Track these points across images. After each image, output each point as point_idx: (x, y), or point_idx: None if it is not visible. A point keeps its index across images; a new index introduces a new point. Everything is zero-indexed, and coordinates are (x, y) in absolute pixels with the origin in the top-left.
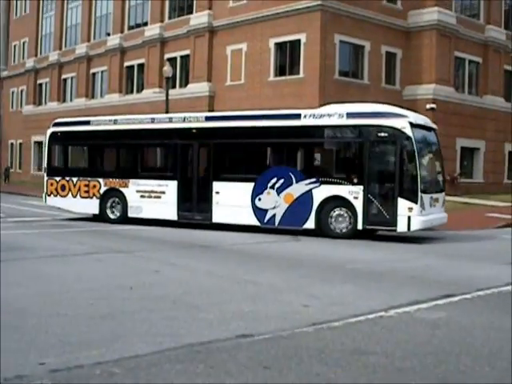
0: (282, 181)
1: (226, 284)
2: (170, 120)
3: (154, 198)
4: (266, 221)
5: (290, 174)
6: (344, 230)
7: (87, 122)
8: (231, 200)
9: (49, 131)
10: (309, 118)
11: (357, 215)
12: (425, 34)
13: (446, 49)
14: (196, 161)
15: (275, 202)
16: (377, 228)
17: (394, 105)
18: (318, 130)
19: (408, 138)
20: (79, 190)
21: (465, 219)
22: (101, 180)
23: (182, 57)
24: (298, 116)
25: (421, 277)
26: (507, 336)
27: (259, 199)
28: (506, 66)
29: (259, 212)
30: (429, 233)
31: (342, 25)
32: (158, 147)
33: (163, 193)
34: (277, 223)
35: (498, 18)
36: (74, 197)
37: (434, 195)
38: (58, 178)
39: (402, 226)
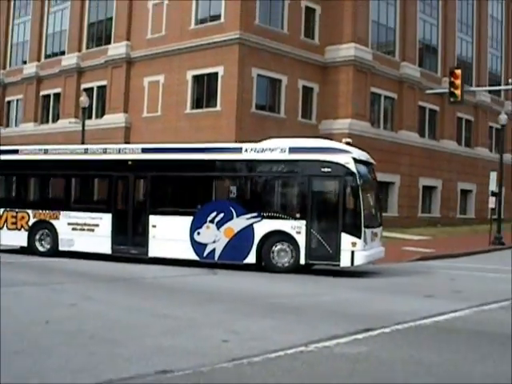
0: (222, 215)
1: (145, 318)
2: (105, 151)
3: (87, 230)
4: (205, 255)
5: (231, 208)
6: (286, 265)
7: (15, 151)
8: (169, 234)
9: None
10: (250, 151)
11: (299, 250)
12: (341, 70)
13: (362, 84)
14: (132, 193)
15: (215, 236)
16: (320, 263)
17: (310, 137)
18: (259, 164)
19: (352, 173)
20: (6, 221)
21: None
22: (29, 211)
23: (98, 87)
24: (238, 149)
25: (341, 311)
26: (427, 370)
27: (198, 233)
28: (420, 102)
29: (198, 246)
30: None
31: (259, 58)
32: (92, 178)
33: (97, 225)
34: (216, 258)
35: (412, 55)
36: (1, 228)
37: (374, 230)
38: None
39: (345, 261)
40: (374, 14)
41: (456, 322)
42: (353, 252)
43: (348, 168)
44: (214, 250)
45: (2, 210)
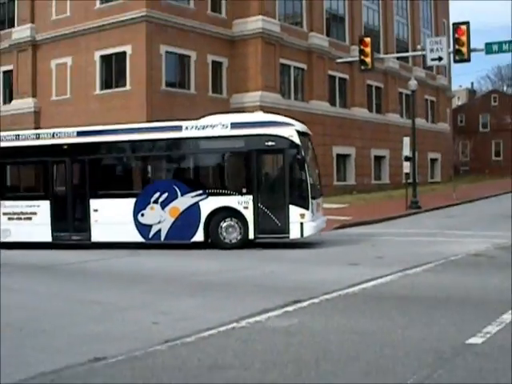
0: (165, 195)
1: (71, 306)
2: (38, 136)
3: (24, 219)
4: (150, 236)
5: (175, 187)
6: (234, 241)
7: None
8: (111, 217)
9: None
10: (190, 129)
11: (248, 225)
12: (250, 43)
13: (271, 56)
14: (70, 178)
15: (160, 217)
16: (269, 237)
17: (222, 113)
18: (201, 141)
19: (296, 145)
20: None
21: None
22: None
23: (4, 72)
24: (178, 128)
25: (268, 284)
26: (361, 338)
27: (142, 215)
28: (330, 71)
29: (143, 228)
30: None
31: (167, 35)
32: (26, 165)
33: (34, 214)
34: (163, 238)
35: (320, 25)
36: None
37: (318, 200)
38: None
39: (294, 233)
40: None
41: (383, 288)
42: (302, 224)
43: (292, 141)
44: (159, 231)
45: None
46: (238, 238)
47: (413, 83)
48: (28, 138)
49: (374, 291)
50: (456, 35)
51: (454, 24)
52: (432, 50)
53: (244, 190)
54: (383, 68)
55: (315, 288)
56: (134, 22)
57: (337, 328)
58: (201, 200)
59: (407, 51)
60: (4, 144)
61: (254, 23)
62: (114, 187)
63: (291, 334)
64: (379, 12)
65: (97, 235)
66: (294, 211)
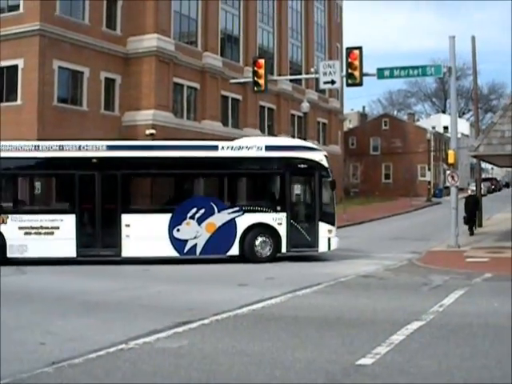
0: (202, 211)
1: None
2: (61, 148)
3: (44, 234)
4: (186, 251)
5: (212, 203)
6: (267, 255)
7: None
8: (145, 232)
9: None
10: (226, 149)
11: (281, 240)
12: (144, 61)
13: (164, 74)
14: (98, 192)
15: (196, 232)
16: (299, 251)
17: (114, 131)
18: (237, 161)
19: (326, 168)
20: None
21: None
22: None
23: None
24: (215, 147)
25: (157, 304)
26: (252, 360)
27: (178, 230)
28: (223, 91)
29: (178, 243)
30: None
31: (60, 50)
32: (48, 178)
33: (57, 228)
34: (198, 253)
35: (214, 45)
36: None
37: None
38: None
39: (322, 247)
40: (176, 5)
41: (273, 309)
42: (329, 238)
43: (322, 164)
44: (195, 246)
45: None
46: (271, 252)
47: (305, 105)
48: (50, 149)
49: (264, 312)
50: (349, 59)
51: (347, 48)
52: (325, 74)
53: (278, 208)
54: (276, 90)
55: (205, 309)
56: (27, 36)
57: (227, 350)
58: (237, 216)
59: (301, 74)
60: (20, 154)
61: (149, 41)
62: (148, 202)
63: (181, 355)
64: (274, 34)
65: (128, 250)
66: (323, 227)
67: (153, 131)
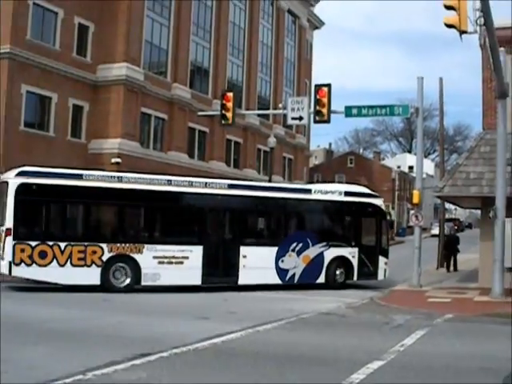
0: (301, 245)
1: None
2: (191, 184)
3: (175, 263)
4: (287, 279)
5: (307, 238)
6: (343, 281)
7: (79, 176)
8: (257, 263)
9: (13, 182)
10: (317, 193)
11: (354, 270)
12: (113, 89)
13: (132, 104)
14: (222, 226)
15: (295, 263)
16: (365, 279)
17: (80, 158)
18: (327, 203)
19: (384, 212)
20: (70, 257)
21: None
22: (104, 245)
23: None
24: (309, 191)
25: (117, 335)
26: None
27: (282, 261)
28: (191, 123)
29: (282, 272)
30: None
31: (29, 75)
32: (180, 211)
33: (186, 258)
34: (296, 280)
35: (184, 76)
36: (62, 266)
37: None
38: (33, 243)
39: (380, 276)
40: (147, 35)
41: (233, 344)
42: (385, 269)
43: (382, 209)
44: (294, 275)
45: (64, 244)
46: (344, 279)
47: (272, 140)
48: (181, 184)
49: (225, 347)
50: (317, 96)
51: (316, 85)
52: (293, 109)
53: (352, 243)
54: (244, 123)
55: (165, 341)
56: None
57: None
58: (325, 250)
59: (269, 108)
60: (156, 188)
61: (119, 69)
62: (260, 236)
63: None
64: (244, 68)
65: (243, 278)
66: (382, 260)
67: (118, 160)
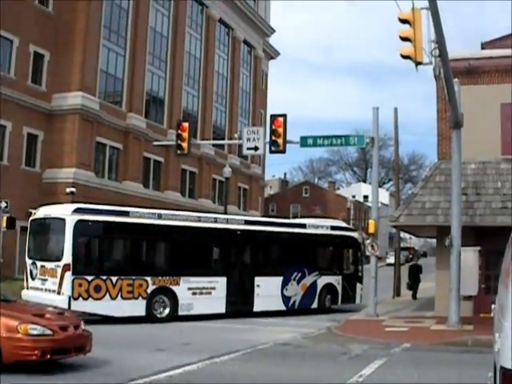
0: (300, 274)
1: None
2: (215, 220)
3: (205, 294)
4: (289, 305)
5: (304, 269)
6: (329, 306)
7: (125, 213)
8: (267, 291)
9: (71, 218)
10: (310, 227)
11: (338, 295)
12: (68, 118)
13: (87, 133)
14: (240, 258)
15: (296, 291)
16: (346, 303)
17: (34, 187)
18: (317, 237)
19: (359, 244)
20: (120, 290)
21: None
22: (148, 278)
23: None
24: (304, 225)
25: (72, 367)
26: None
27: (286, 289)
28: (146, 152)
29: (286, 299)
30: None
31: None
32: (208, 245)
33: (213, 288)
34: (296, 306)
35: (139, 106)
36: (114, 299)
37: None
38: (89, 278)
39: (358, 300)
40: (103, 64)
41: (190, 376)
42: (361, 294)
43: (359, 242)
44: (295, 301)
45: (116, 278)
46: (330, 304)
47: (227, 170)
48: (207, 220)
49: (181, 379)
50: (273, 126)
51: (271, 115)
52: (249, 140)
53: (337, 272)
54: (199, 153)
55: (121, 373)
56: None
57: None
58: (318, 279)
59: (224, 138)
60: (191, 224)
61: (74, 98)
62: (269, 267)
63: None
64: (199, 97)
65: (258, 306)
66: (359, 286)
67: (73, 189)
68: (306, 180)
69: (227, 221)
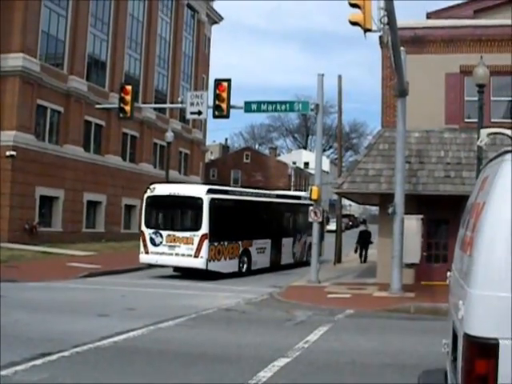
0: (300, 236)
1: None
2: (268, 196)
3: (261, 253)
4: (294, 259)
5: (301, 231)
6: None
7: (225, 191)
8: (287, 249)
9: (207, 197)
10: (302, 199)
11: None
12: (8, 80)
13: (28, 96)
14: (276, 225)
15: (298, 248)
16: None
17: None
18: (306, 206)
19: (324, 210)
20: (228, 252)
21: (46, 269)
22: (240, 242)
23: None
24: (299, 197)
25: (13, 334)
26: None
27: (294, 247)
28: (87, 116)
29: (293, 255)
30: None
31: None
32: (265, 215)
33: (265, 248)
34: (297, 260)
35: (80, 69)
36: (226, 259)
37: None
38: (216, 244)
39: (323, 254)
40: (44, 25)
41: (135, 342)
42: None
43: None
44: (297, 256)
45: (227, 243)
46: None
47: (169, 135)
48: (267, 196)
49: (126, 345)
50: (217, 91)
51: (215, 80)
52: (192, 104)
53: (311, 232)
54: (141, 117)
55: (64, 340)
56: None
57: (88, 383)
58: (307, 238)
59: (166, 102)
60: (262, 199)
61: (14, 60)
62: (288, 231)
63: None
64: (141, 61)
65: (282, 260)
66: (323, 243)
67: (13, 153)
68: (247, 146)
69: (276, 196)
